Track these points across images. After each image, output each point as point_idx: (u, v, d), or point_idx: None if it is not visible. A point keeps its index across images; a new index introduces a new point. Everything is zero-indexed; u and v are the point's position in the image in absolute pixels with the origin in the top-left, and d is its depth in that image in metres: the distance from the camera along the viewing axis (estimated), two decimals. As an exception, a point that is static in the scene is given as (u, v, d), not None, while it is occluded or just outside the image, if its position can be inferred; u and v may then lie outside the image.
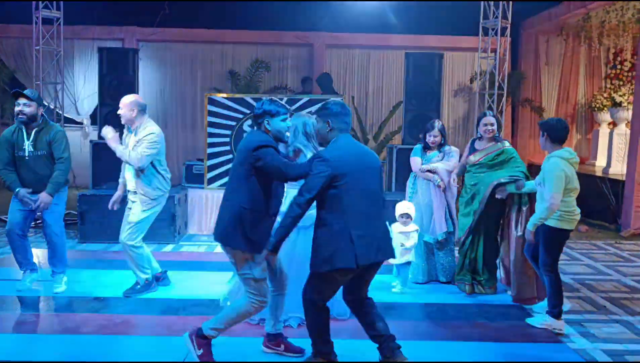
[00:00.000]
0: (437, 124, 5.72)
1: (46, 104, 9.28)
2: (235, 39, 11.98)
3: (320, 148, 3.95)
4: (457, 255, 5.67)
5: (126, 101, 5.09)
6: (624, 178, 8.79)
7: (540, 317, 4.64)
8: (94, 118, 11.31)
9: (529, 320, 4.67)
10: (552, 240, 4.49)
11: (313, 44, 11.95)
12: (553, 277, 4.50)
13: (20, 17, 10.03)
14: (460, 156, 5.73)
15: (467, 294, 5.39)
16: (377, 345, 3.73)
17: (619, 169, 9.75)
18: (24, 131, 5.12)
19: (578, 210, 4.51)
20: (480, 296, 5.36)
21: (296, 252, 4.41)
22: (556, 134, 4.47)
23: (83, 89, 11.72)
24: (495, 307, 5.08)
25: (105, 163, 8.24)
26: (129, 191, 5.20)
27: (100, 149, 8.39)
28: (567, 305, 4.85)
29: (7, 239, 5.30)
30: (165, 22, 11.41)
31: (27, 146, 5.11)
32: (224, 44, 12.04)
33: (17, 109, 5.04)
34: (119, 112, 5.11)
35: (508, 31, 9.63)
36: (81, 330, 4.38)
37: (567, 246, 7.52)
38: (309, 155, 4.25)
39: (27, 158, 5.11)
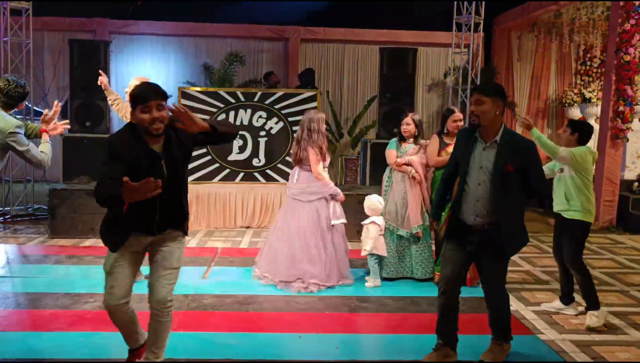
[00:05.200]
0: (411, 114, 5.75)
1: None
2: (210, 33, 11.90)
3: None
4: (433, 249, 5.72)
5: (135, 81, 5.06)
6: (593, 173, 8.94)
7: (592, 319, 4.55)
8: (64, 111, 11.13)
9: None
10: (577, 233, 4.67)
11: (288, 38, 11.93)
12: (581, 271, 4.62)
13: (-13, 8, 9.80)
14: None
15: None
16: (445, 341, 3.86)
17: (588, 163, 9.92)
18: None
19: (594, 204, 4.74)
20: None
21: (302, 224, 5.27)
22: (586, 134, 4.74)
23: (53, 81, 11.52)
24: (467, 300, 5.13)
25: (76, 157, 8.16)
26: None
27: (71, 143, 8.28)
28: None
29: None
30: (137, 14, 11.27)
31: None
32: (197, 38, 11.95)
33: None
34: (125, 89, 5.03)
35: (481, 27, 9.73)
36: (51, 326, 4.32)
37: (537, 239, 7.67)
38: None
39: None
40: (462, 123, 5.51)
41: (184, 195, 3.36)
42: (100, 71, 5.43)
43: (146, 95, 3.03)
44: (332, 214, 5.43)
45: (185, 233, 3.45)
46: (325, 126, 5.53)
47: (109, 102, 5.55)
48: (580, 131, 4.71)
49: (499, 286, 3.82)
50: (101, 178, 3.07)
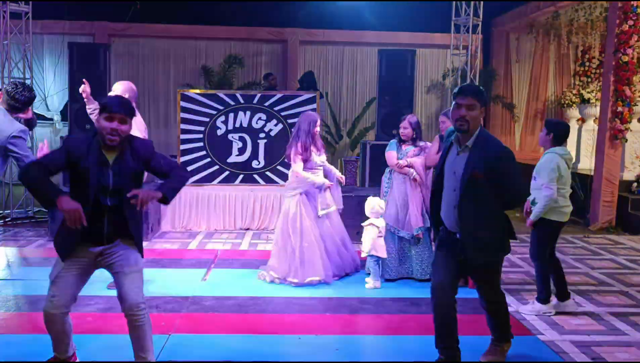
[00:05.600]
0: (409, 116, 5.79)
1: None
2: (209, 35, 11.92)
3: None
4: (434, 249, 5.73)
5: (120, 86, 5.18)
6: (592, 173, 8.97)
7: (529, 305, 4.93)
8: (64, 114, 11.15)
9: (521, 310, 4.94)
10: (540, 230, 4.80)
11: (287, 40, 11.94)
12: (539, 265, 4.83)
13: (-14, 11, 9.82)
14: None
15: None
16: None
17: (587, 164, 9.95)
18: None
19: (568, 203, 4.81)
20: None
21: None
22: (561, 135, 4.81)
23: (53, 84, 11.54)
24: (467, 301, 5.13)
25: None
26: None
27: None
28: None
29: None
30: (137, 17, 11.28)
31: None
32: (197, 40, 11.97)
33: None
34: (110, 94, 5.12)
35: (479, 29, 9.73)
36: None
37: (537, 240, 7.66)
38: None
39: None
40: (443, 125, 5.53)
41: (134, 211, 3.31)
42: (84, 80, 5.44)
43: (114, 107, 3.18)
44: (321, 204, 5.63)
45: (137, 246, 3.39)
46: (318, 128, 5.70)
47: (88, 111, 5.39)
48: (555, 132, 4.82)
49: (492, 293, 3.75)
50: (40, 159, 3.24)
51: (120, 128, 3.17)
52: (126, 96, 5.15)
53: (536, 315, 4.81)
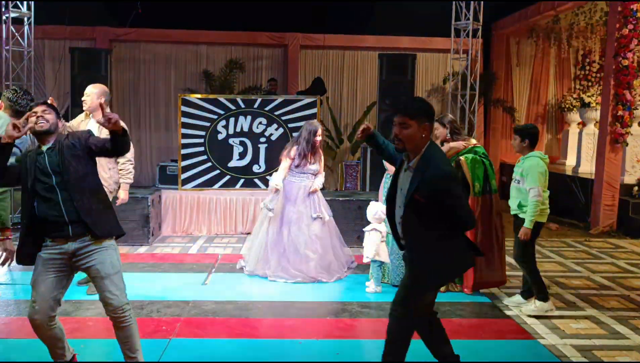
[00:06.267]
0: None
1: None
2: (210, 40, 11.93)
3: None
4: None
5: (94, 89, 5.28)
6: (593, 177, 8.97)
7: (529, 305, 4.97)
8: (65, 119, 11.14)
9: (521, 312, 4.97)
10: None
11: (287, 45, 11.96)
12: (528, 265, 4.92)
13: (-12, 17, 9.85)
14: None
15: (441, 292, 5.45)
16: None
17: (588, 168, 9.95)
18: None
19: (547, 204, 4.94)
20: (453, 294, 5.43)
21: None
22: (535, 138, 4.96)
23: (54, 89, 11.55)
24: (467, 305, 5.15)
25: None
26: None
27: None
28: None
29: None
30: (138, 22, 11.30)
31: None
32: (198, 45, 11.98)
33: None
34: (83, 98, 5.27)
35: (479, 32, 9.75)
36: (53, 333, 4.32)
37: (538, 243, 7.64)
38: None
39: None
40: (437, 131, 5.61)
41: (94, 198, 3.38)
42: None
43: (32, 102, 3.60)
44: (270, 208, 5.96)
45: (106, 236, 3.40)
46: (319, 137, 5.88)
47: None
48: (530, 137, 4.94)
49: (400, 305, 3.33)
50: None
51: (44, 115, 3.38)
52: (102, 99, 5.19)
53: (538, 316, 4.82)
